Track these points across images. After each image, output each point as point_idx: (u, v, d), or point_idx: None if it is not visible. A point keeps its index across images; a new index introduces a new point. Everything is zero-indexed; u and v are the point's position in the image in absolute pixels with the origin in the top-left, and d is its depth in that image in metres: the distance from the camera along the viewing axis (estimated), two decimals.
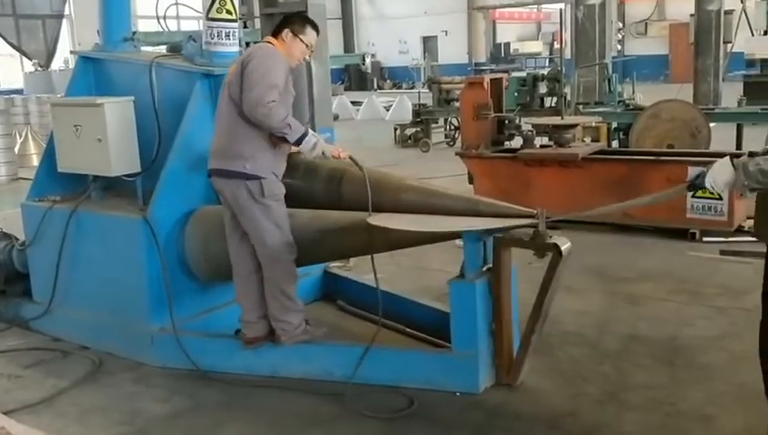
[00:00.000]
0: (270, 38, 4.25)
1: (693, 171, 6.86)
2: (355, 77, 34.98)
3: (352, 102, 22.94)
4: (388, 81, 35.90)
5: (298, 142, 4.04)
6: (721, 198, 6.81)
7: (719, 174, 2.93)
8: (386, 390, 4.12)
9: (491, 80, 8.22)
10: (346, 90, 32.15)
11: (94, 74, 5.46)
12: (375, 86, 34.60)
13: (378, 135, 16.85)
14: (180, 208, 4.70)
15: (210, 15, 4.87)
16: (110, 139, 4.71)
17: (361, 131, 18.52)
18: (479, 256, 4.07)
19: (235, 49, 4.96)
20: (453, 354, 4.08)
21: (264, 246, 4.18)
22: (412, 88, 30.15)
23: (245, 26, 8.36)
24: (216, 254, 4.58)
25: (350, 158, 4.24)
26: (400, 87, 33.39)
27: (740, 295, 5.44)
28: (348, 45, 37.24)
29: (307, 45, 4.27)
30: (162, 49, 5.76)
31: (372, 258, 4.22)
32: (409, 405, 3.94)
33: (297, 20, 4.27)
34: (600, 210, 3.92)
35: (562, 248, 3.85)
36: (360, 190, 4.26)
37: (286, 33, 4.18)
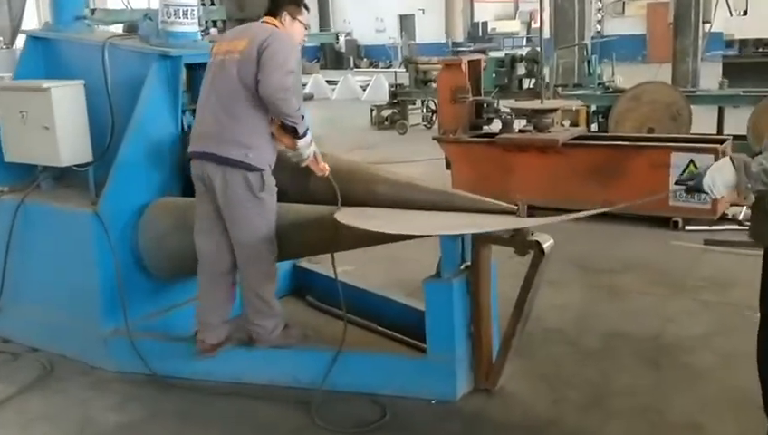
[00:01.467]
0: (270, 19, 4.02)
1: (682, 160, 6.73)
2: (331, 56, 34.48)
3: (328, 82, 22.54)
4: (365, 59, 35.44)
5: (302, 135, 3.88)
6: None
7: (719, 176, 2.66)
8: (357, 397, 3.85)
9: (469, 61, 7.94)
10: (322, 68, 31.70)
11: (44, 56, 5.09)
12: (352, 65, 34.13)
13: (354, 116, 16.52)
14: (135, 201, 4.36)
15: None
16: (57, 126, 4.36)
17: (337, 112, 18.19)
18: (456, 254, 3.80)
19: (194, 29, 4.63)
20: (428, 359, 3.81)
21: (247, 245, 3.89)
22: (389, 67, 29.76)
23: (213, 3, 7.99)
24: (173, 249, 4.27)
25: (329, 176, 4.03)
26: (377, 66, 32.95)
27: (725, 289, 5.24)
28: (323, 23, 36.66)
29: (305, 26, 4.14)
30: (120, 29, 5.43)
31: (332, 255, 3.97)
32: (381, 416, 3.67)
33: (290, 2, 4.08)
34: (583, 214, 3.63)
35: (545, 246, 3.59)
36: (330, 182, 4.03)
37: (284, 16, 4.01)
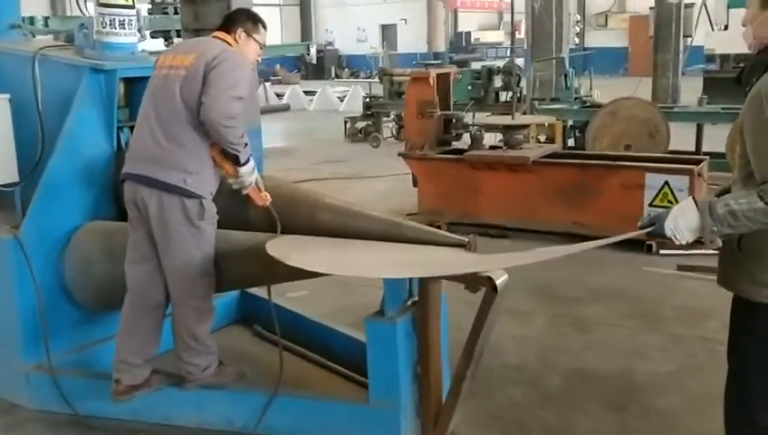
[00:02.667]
0: (223, 35, 3.68)
1: (656, 181, 6.48)
2: (312, 66, 34.18)
3: (306, 92, 22.23)
4: (346, 69, 35.15)
5: (244, 163, 3.56)
6: None
7: (682, 219, 2.37)
8: None
9: (438, 74, 7.66)
10: (303, 78, 31.40)
11: None
12: (333, 75, 33.84)
13: (329, 128, 16.20)
14: (61, 225, 4.02)
15: (102, 0, 4.21)
16: None
17: (312, 123, 17.91)
18: (402, 289, 3.47)
19: (132, 40, 4.31)
20: (369, 405, 3.49)
21: (181, 277, 3.54)
22: (370, 77, 29.50)
23: (165, 13, 7.69)
24: (101, 278, 3.94)
25: (269, 207, 3.70)
26: (358, 76, 32.68)
27: (698, 320, 4.96)
28: (305, 33, 36.48)
29: (261, 45, 3.81)
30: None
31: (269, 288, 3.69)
32: None
33: (247, 18, 3.76)
34: (541, 254, 3.33)
35: (498, 282, 3.26)
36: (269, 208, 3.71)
37: (240, 33, 3.68)
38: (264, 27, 3.84)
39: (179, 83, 3.48)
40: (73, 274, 3.99)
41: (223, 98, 3.37)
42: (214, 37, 3.69)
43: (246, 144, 3.54)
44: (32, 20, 6.77)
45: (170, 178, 3.46)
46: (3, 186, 4.18)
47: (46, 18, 6.17)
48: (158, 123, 3.51)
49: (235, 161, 3.54)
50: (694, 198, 2.41)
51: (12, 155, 4.16)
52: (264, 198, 3.70)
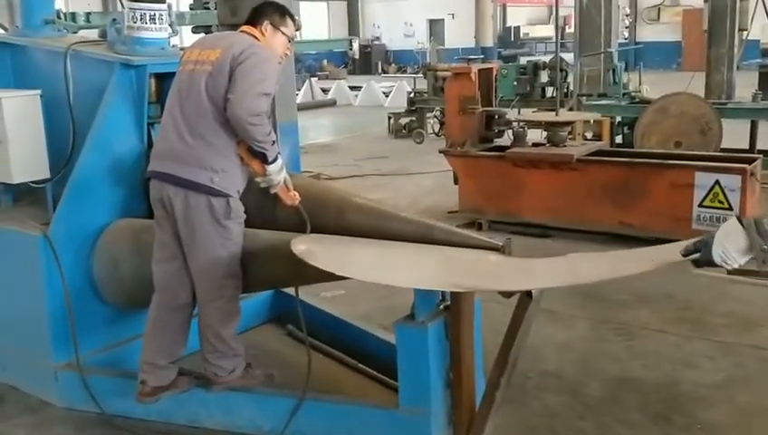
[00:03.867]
0: (250, 29, 3.58)
1: (707, 181, 6.18)
2: (359, 61, 34.11)
3: (351, 88, 22.15)
4: (393, 64, 34.98)
5: (272, 161, 3.45)
6: (731, 208, 6.08)
7: (729, 243, 2.18)
8: None
9: (480, 70, 7.48)
10: (350, 74, 31.35)
11: (12, 62, 4.74)
12: (380, 70, 33.73)
13: (373, 123, 16.10)
14: (91, 222, 3.98)
15: None
16: (10, 139, 4.01)
17: (357, 119, 17.84)
18: (434, 294, 3.34)
19: (163, 35, 4.24)
20: (399, 411, 3.36)
21: (208, 278, 3.46)
22: (417, 73, 29.34)
23: (206, 7, 7.64)
24: (130, 276, 3.88)
25: (298, 206, 3.59)
26: (405, 71, 32.50)
27: (749, 328, 4.72)
28: (352, 28, 36.39)
29: (289, 38, 3.69)
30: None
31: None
32: None
33: (274, 10, 3.64)
34: (581, 277, 3.13)
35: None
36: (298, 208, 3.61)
37: (266, 25, 3.58)
38: (293, 19, 3.72)
39: (205, 79, 3.39)
40: (102, 271, 3.95)
41: (249, 94, 3.28)
42: (241, 32, 3.59)
43: (274, 142, 3.43)
44: (73, 16, 6.77)
45: (197, 177, 3.37)
46: (34, 182, 4.18)
47: (88, 14, 6.12)
48: (184, 120, 3.42)
49: (263, 159, 3.44)
50: (738, 217, 2.23)
51: (43, 151, 4.15)
52: (293, 198, 3.59)
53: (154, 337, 3.59)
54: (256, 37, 3.54)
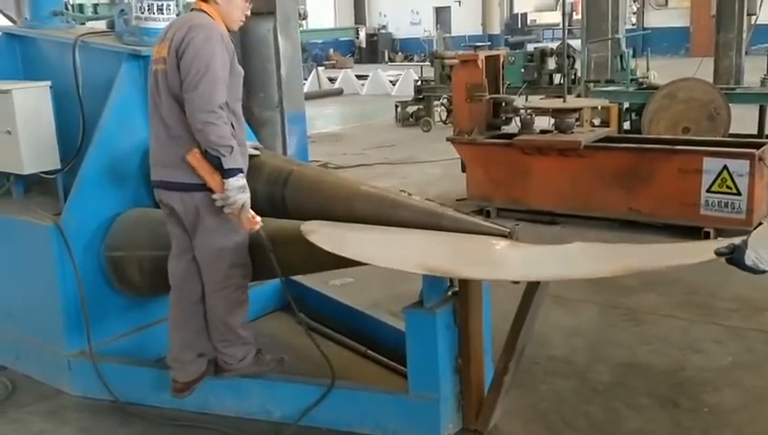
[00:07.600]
0: (200, 3, 3.40)
1: (715, 166, 6.16)
2: (366, 49, 34.05)
3: (358, 77, 22.13)
4: (400, 53, 34.91)
5: (229, 174, 3.20)
6: (739, 193, 6.07)
7: (763, 248, 2.19)
8: (333, 433, 3.48)
9: (487, 57, 7.48)
10: (357, 62, 31.31)
11: (21, 54, 4.78)
12: (386, 58, 33.66)
13: (380, 112, 16.11)
14: (102, 212, 4.02)
15: None
16: (20, 131, 4.05)
17: (364, 108, 17.83)
18: (442, 280, 3.36)
19: None
20: (409, 397, 3.39)
21: (213, 269, 3.46)
22: (423, 61, 29.27)
23: None
24: (142, 265, 3.93)
25: (259, 231, 3.35)
26: (412, 59, 32.43)
27: (757, 312, 4.73)
28: (359, 16, 36.31)
29: (248, 2, 3.49)
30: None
31: None
32: None
33: None
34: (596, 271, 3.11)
35: None
36: (307, 195, 3.64)
37: None
38: None
39: (164, 78, 3.30)
40: (115, 260, 3.99)
41: (198, 91, 3.14)
42: (192, 9, 3.43)
43: (231, 147, 3.19)
44: (81, 7, 6.80)
45: (185, 178, 3.32)
46: (45, 173, 4.22)
47: (95, 5, 6.14)
48: (162, 122, 3.36)
49: (219, 168, 3.21)
50: None
51: (53, 142, 4.19)
52: (252, 222, 3.30)
53: (177, 334, 3.61)
54: (206, 12, 3.34)
